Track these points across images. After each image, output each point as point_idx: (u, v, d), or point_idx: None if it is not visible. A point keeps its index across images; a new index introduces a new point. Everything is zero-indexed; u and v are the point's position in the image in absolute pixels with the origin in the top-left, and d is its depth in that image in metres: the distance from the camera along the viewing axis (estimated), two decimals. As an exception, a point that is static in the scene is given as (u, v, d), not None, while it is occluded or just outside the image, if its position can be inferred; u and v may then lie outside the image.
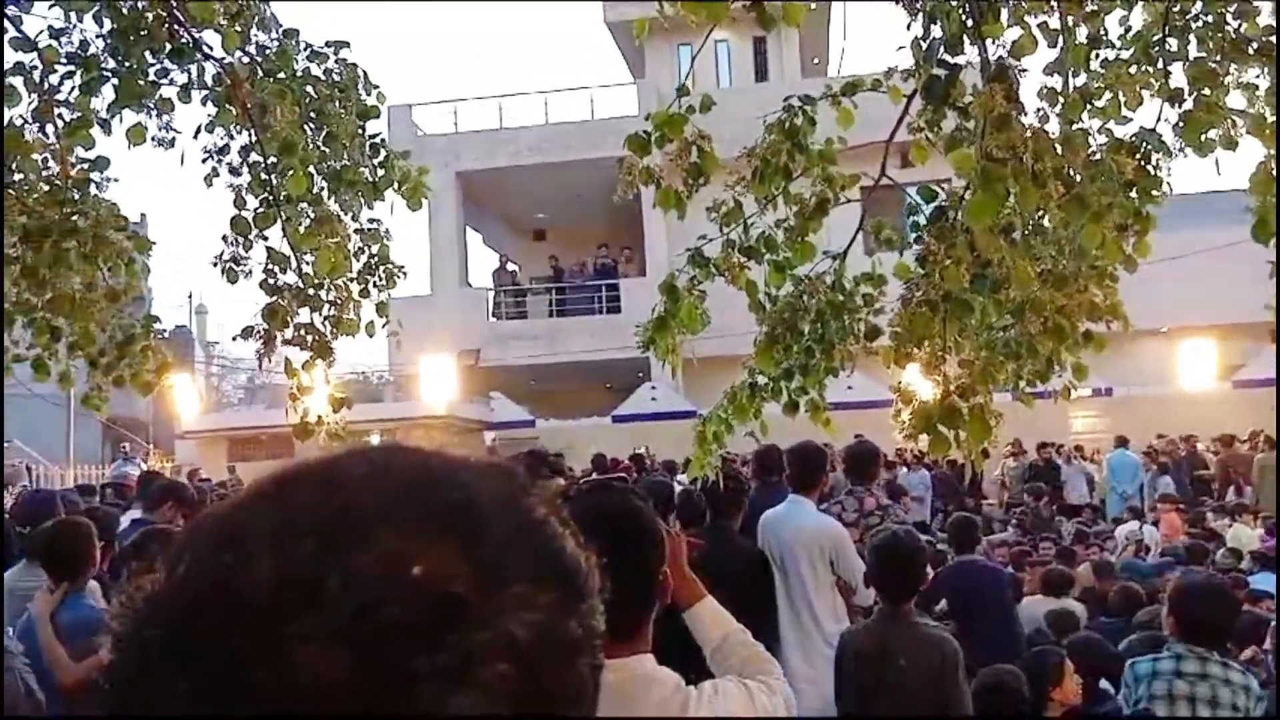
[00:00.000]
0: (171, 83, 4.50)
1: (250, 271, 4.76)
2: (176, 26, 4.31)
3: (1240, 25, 3.74)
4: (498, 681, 0.46)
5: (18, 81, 4.13)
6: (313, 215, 4.75)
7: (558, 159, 20.29)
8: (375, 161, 5.01)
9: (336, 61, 4.81)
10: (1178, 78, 3.88)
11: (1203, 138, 3.80)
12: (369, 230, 5.05)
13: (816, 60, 22.69)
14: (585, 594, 0.54)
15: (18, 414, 13.31)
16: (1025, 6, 3.74)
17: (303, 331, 4.78)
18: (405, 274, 5.20)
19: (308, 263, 4.75)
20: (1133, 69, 4.00)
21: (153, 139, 4.56)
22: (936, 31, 3.65)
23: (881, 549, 3.77)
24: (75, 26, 4.28)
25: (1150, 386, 17.28)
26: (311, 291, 4.80)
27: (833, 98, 4.15)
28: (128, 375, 4.62)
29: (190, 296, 32.95)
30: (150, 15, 4.24)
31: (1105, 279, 4.14)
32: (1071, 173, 3.28)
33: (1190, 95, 3.81)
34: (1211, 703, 3.37)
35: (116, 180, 4.50)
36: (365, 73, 4.89)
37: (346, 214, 4.92)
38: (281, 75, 4.60)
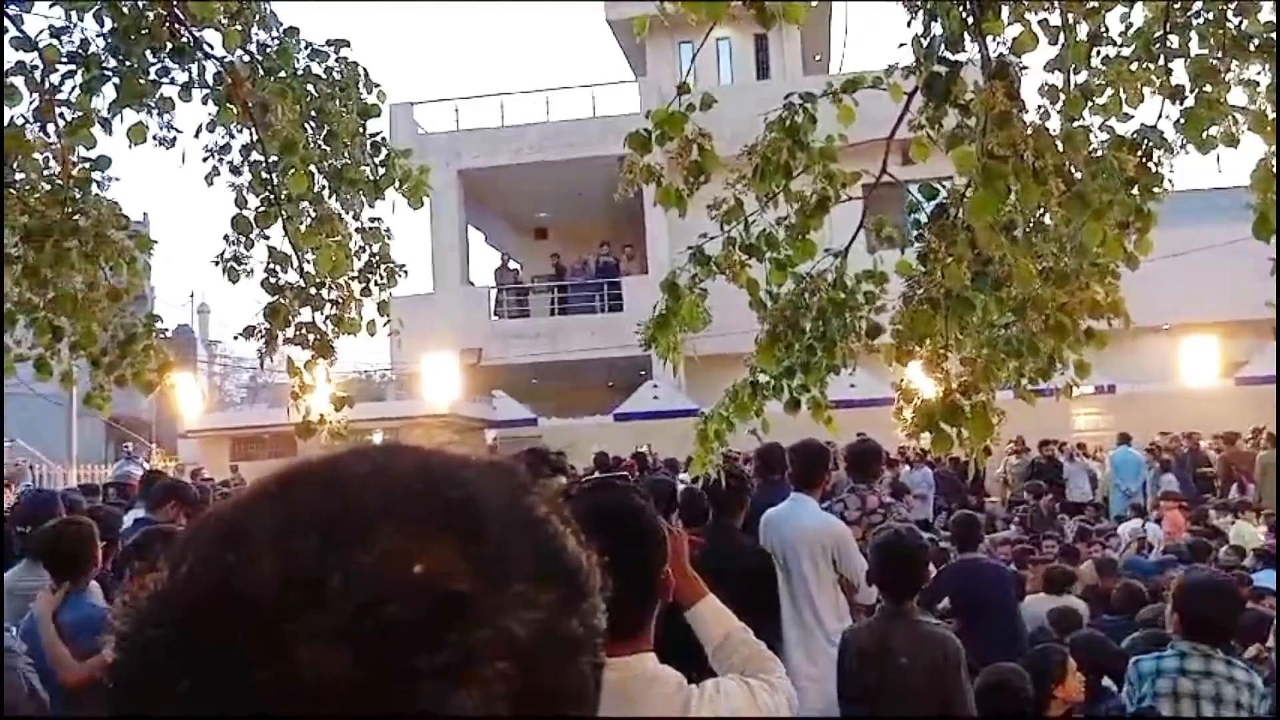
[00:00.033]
0: (172, 82, 4.51)
1: (252, 270, 4.78)
2: (177, 25, 4.31)
3: (1241, 22, 3.74)
4: (498, 680, 0.46)
5: (19, 81, 4.13)
6: (314, 214, 4.76)
7: (559, 157, 20.28)
8: (376, 160, 5.02)
9: (337, 60, 4.82)
10: (1179, 74, 3.89)
11: (1204, 134, 3.80)
12: (370, 229, 5.06)
13: (818, 58, 22.65)
14: (587, 592, 0.54)
15: (20, 413, 13.33)
16: (1026, 4, 3.74)
17: (304, 330, 4.79)
18: (407, 272, 5.22)
19: (309, 261, 4.75)
20: (1134, 66, 4.00)
21: (154, 138, 4.58)
22: (937, 29, 3.65)
23: (884, 547, 3.77)
24: (76, 26, 4.28)
25: (1153, 383, 17.26)
26: (313, 290, 4.81)
27: (834, 95, 4.13)
28: (130, 374, 4.62)
29: (192, 295, 32.97)
30: (151, 14, 4.24)
31: (1107, 276, 4.13)
32: (1073, 170, 3.28)
33: (1191, 92, 3.81)
34: (1215, 700, 3.36)
35: (118, 179, 4.52)
36: (366, 71, 4.89)
37: (348, 213, 4.93)
38: (282, 74, 4.60)
